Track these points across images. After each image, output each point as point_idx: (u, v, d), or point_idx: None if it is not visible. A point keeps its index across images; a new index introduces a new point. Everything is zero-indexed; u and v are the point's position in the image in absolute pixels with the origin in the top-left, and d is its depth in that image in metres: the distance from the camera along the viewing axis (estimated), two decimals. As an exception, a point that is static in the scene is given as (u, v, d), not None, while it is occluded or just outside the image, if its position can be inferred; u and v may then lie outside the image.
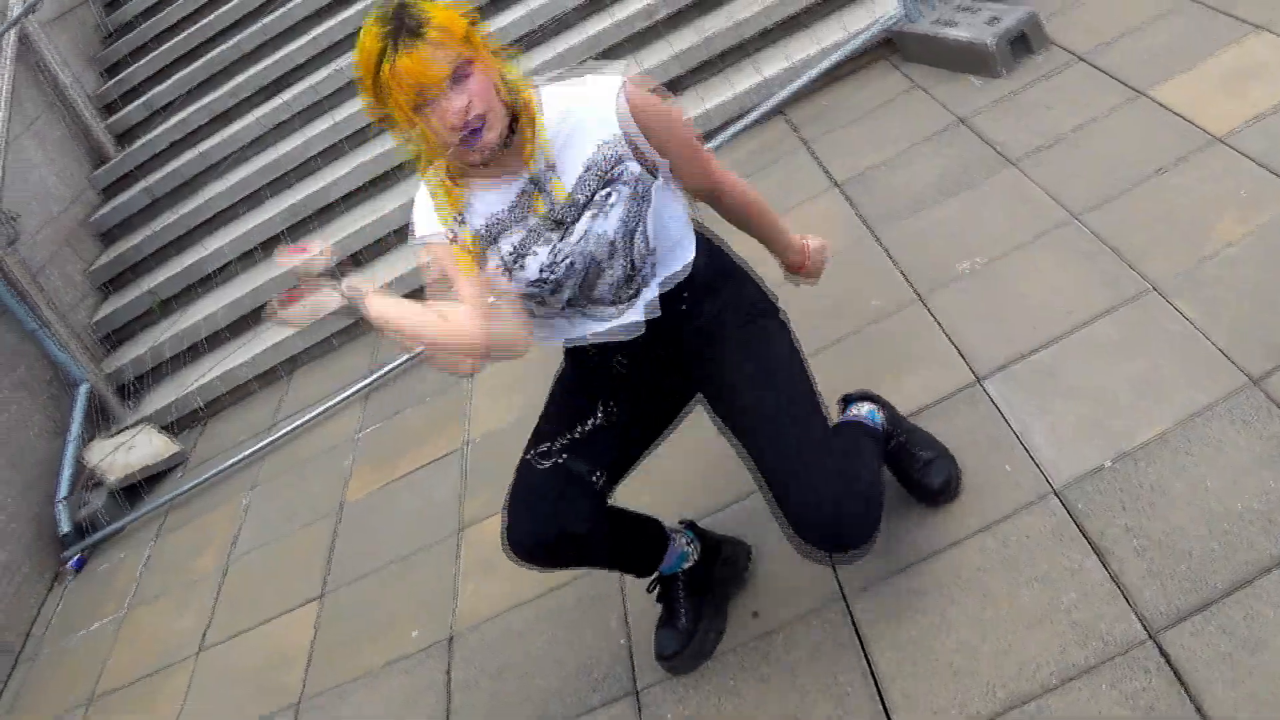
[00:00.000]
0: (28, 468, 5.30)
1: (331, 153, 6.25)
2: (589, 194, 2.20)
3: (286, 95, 6.61)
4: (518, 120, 2.15)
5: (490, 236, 2.23)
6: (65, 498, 5.24)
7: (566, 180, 2.19)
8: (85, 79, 7.53)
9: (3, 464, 5.17)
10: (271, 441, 5.01)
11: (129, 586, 4.66)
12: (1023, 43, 4.44)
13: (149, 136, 7.09)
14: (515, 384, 4.28)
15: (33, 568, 5.00)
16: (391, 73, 2.00)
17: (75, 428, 5.56)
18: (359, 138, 6.18)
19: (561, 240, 2.21)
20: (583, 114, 2.20)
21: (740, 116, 5.04)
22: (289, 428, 5.04)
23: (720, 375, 2.43)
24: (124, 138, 7.33)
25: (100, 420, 5.74)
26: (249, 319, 5.80)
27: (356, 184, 5.97)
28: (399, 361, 4.96)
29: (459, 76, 2.04)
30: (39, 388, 5.66)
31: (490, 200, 2.22)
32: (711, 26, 5.36)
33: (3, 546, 4.90)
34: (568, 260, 2.22)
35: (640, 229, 2.25)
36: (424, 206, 2.28)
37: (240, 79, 6.94)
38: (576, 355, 2.49)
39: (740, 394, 2.40)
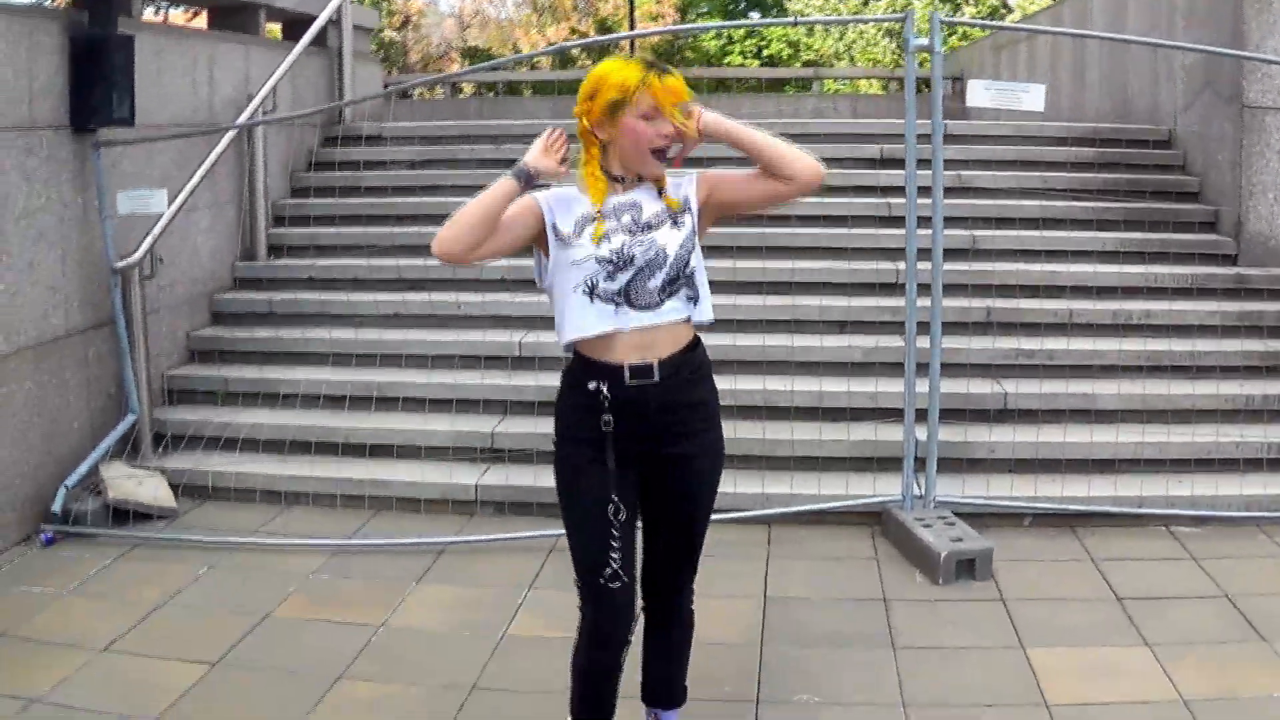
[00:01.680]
0: (57, 444, 6.17)
1: (414, 360, 7.12)
2: (677, 212, 3.23)
3: (411, 296, 7.54)
4: None
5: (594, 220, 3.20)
6: (69, 486, 6.05)
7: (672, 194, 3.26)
8: (275, 186, 8.60)
9: (44, 432, 6.06)
10: (246, 543, 5.77)
11: (77, 577, 5.38)
12: (969, 567, 5.26)
13: (295, 262, 8.11)
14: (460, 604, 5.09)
15: (15, 519, 5.82)
16: (661, 84, 3.13)
17: (107, 443, 6.37)
18: (440, 363, 7.10)
19: (637, 237, 3.16)
20: (674, 182, 3.29)
21: (731, 510, 5.82)
22: (265, 540, 5.82)
23: (671, 492, 3.33)
24: (276, 250, 8.31)
25: (130, 449, 6.56)
26: (288, 445, 6.59)
27: (425, 394, 6.84)
28: (377, 541, 5.82)
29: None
30: (101, 393, 6.55)
31: (609, 202, 3.22)
32: (744, 432, 6.21)
33: (4, 488, 5.74)
34: (636, 249, 3.15)
35: (688, 259, 3.20)
36: (565, 189, 3.27)
37: (387, 261, 7.83)
38: (576, 411, 3.28)
39: (670, 524, 3.39)
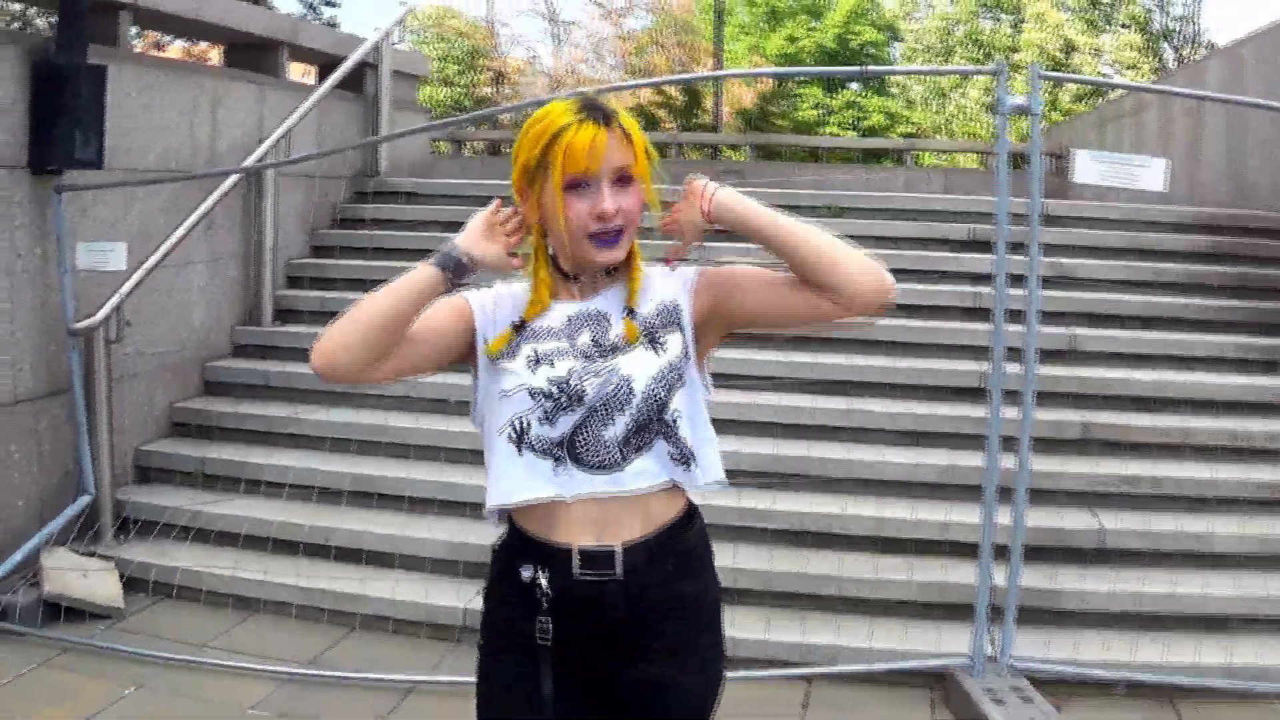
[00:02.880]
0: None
1: (421, 450, 6.32)
2: (650, 328, 2.22)
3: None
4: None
5: (533, 336, 2.24)
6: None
7: (639, 321, 2.24)
8: (291, 244, 7.90)
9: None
10: (187, 661, 4.95)
11: (-14, 682, 4.68)
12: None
13: (301, 329, 7.30)
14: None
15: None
16: (569, 141, 2.12)
17: (49, 529, 5.64)
18: (425, 454, 6.29)
19: (593, 364, 2.19)
20: (663, 280, 2.30)
21: (762, 664, 4.91)
22: (210, 659, 4.97)
23: None
24: (284, 315, 7.56)
25: (81, 530, 5.76)
26: (249, 542, 5.80)
27: (416, 494, 5.98)
28: (335, 673, 4.91)
29: (622, 179, 2.17)
30: (56, 469, 5.83)
31: (555, 311, 2.27)
32: (783, 564, 5.33)
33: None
34: (589, 381, 2.17)
35: (666, 398, 2.20)
36: (501, 290, 2.35)
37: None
38: (505, 609, 2.28)
39: None
